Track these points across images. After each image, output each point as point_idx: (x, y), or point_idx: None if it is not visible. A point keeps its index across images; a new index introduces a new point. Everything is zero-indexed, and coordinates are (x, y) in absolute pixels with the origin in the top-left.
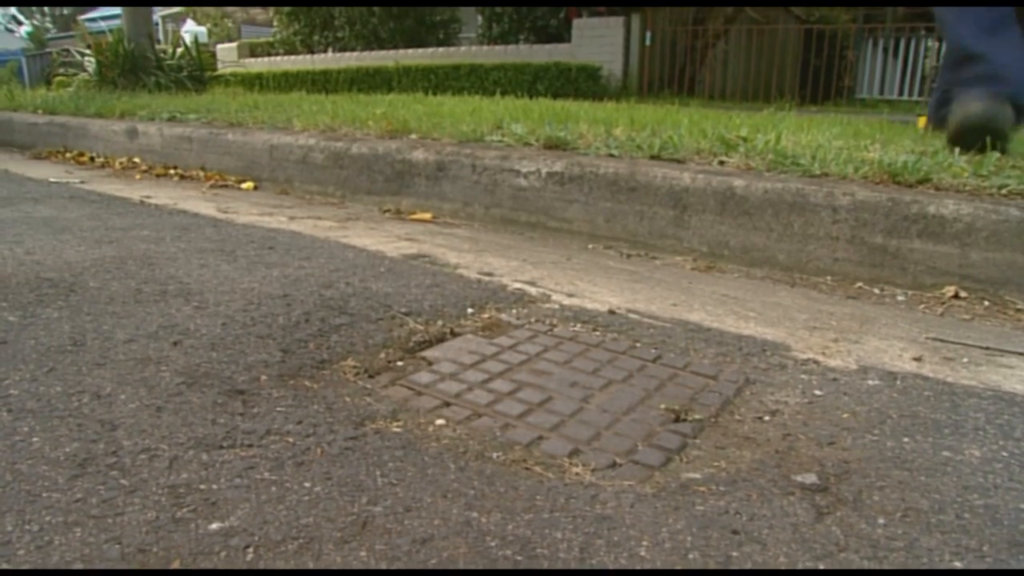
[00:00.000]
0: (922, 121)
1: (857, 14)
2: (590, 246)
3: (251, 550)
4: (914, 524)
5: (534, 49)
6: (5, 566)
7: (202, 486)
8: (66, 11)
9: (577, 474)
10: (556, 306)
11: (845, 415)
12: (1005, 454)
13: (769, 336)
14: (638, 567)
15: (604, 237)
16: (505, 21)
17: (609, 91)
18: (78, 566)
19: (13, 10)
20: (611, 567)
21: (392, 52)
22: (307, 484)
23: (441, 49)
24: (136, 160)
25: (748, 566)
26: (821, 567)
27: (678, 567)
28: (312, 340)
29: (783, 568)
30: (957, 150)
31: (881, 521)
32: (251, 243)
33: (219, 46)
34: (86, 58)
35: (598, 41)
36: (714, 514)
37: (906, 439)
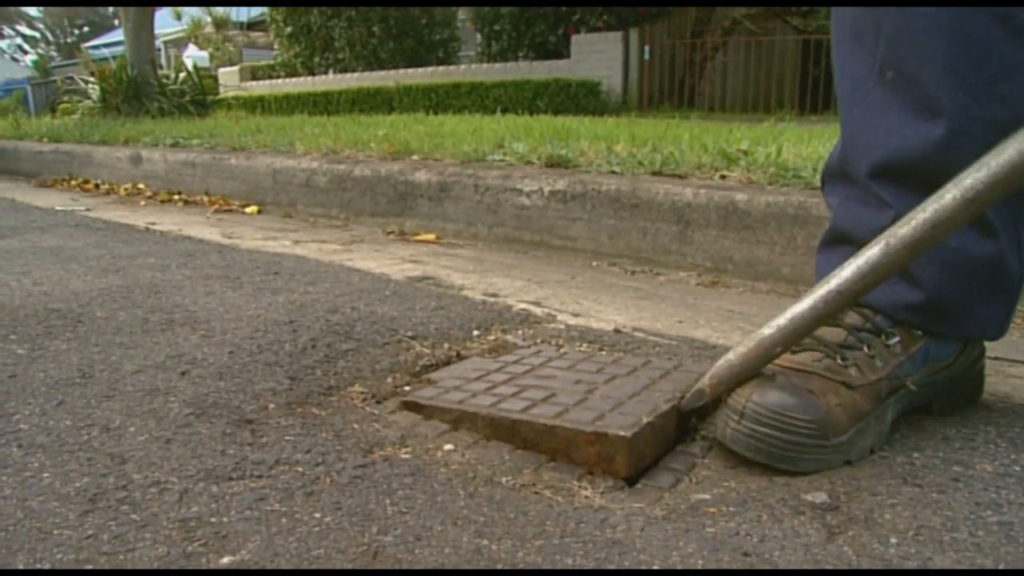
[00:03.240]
0: None
1: None
2: (594, 264)
3: None
4: (927, 543)
5: (534, 66)
6: None
7: (212, 519)
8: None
9: (587, 497)
10: (562, 326)
11: None
12: (1018, 468)
13: None
14: None
15: (608, 254)
16: (504, 38)
17: (609, 106)
18: None
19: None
20: None
21: (392, 72)
22: (317, 515)
23: (441, 68)
24: (141, 186)
25: None
26: None
27: None
28: (319, 366)
29: None
30: None
31: (893, 540)
32: (256, 269)
33: (221, 70)
34: (90, 85)
35: (597, 56)
36: (725, 536)
37: (916, 454)
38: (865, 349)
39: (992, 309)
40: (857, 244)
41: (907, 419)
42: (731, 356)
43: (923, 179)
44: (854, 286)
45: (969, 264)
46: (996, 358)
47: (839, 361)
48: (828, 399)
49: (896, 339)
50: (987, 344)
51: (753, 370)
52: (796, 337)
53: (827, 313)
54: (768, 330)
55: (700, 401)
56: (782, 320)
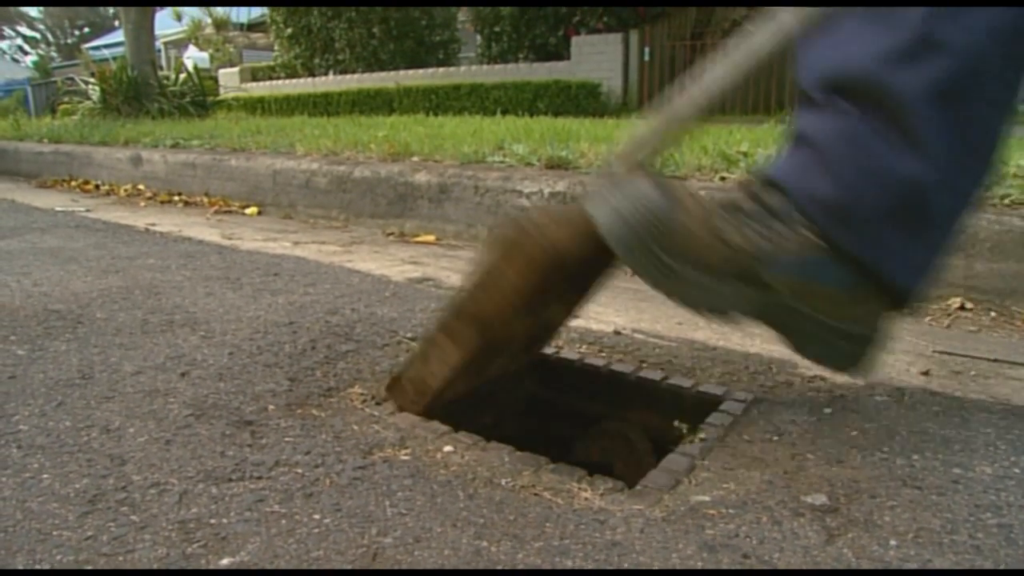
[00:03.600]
0: None
1: None
2: None
3: None
4: (926, 545)
5: (534, 67)
6: None
7: (212, 520)
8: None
9: (586, 499)
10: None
11: (854, 433)
12: (1017, 471)
13: (776, 353)
14: None
15: None
16: (504, 40)
17: (609, 107)
18: None
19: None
20: None
21: (393, 74)
22: (316, 516)
23: (441, 69)
24: (140, 187)
25: None
26: None
27: None
28: (319, 368)
29: None
30: None
31: (893, 543)
32: (256, 270)
33: (221, 71)
34: (90, 86)
35: (597, 58)
36: (724, 538)
37: (916, 456)
38: (753, 225)
39: (904, 243)
40: (815, 145)
41: (907, 420)
42: (648, 125)
43: None
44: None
45: (889, 179)
46: (996, 360)
47: (728, 215)
48: (690, 223)
49: (789, 234)
50: (987, 346)
51: (668, 140)
52: (708, 106)
53: (737, 81)
54: (681, 100)
55: (613, 169)
56: (695, 90)
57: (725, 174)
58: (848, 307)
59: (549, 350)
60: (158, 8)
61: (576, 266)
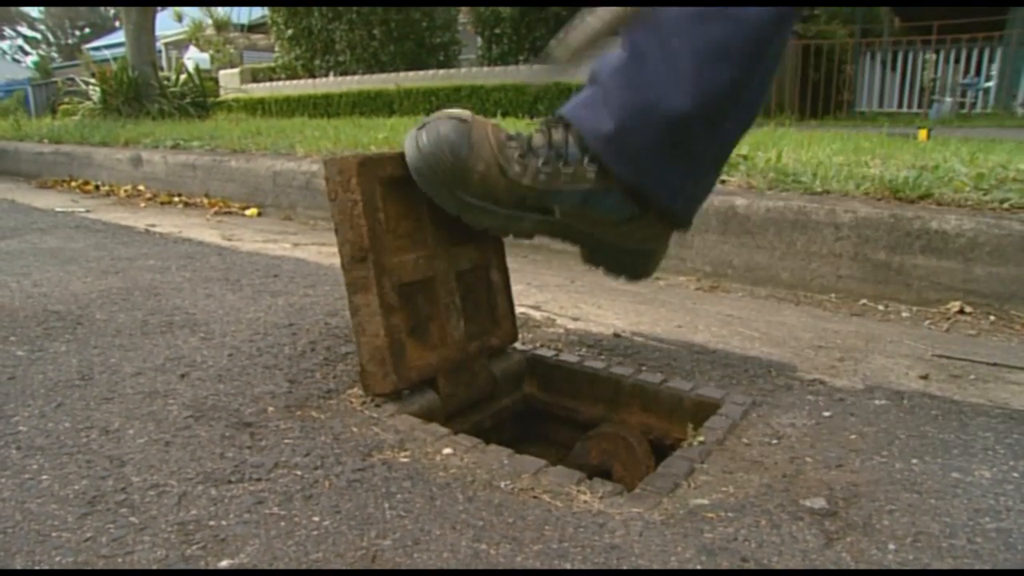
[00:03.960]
0: (923, 134)
1: (854, 29)
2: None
3: None
4: (925, 549)
5: (534, 69)
6: None
7: (211, 522)
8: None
9: (585, 502)
10: (561, 330)
11: (853, 436)
12: (1016, 475)
13: (775, 356)
14: None
15: None
16: (505, 42)
17: None
18: None
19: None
20: None
21: (393, 75)
22: (316, 518)
23: (442, 71)
24: (141, 188)
25: None
26: None
27: None
28: (318, 370)
29: None
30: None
31: (892, 547)
32: (256, 271)
33: (221, 72)
34: (91, 86)
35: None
36: (723, 541)
37: (915, 460)
38: (539, 161)
39: (666, 172)
40: (597, 81)
41: (906, 424)
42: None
43: None
44: None
45: (657, 114)
46: (995, 364)
47: (515, 155)
48: (478, 165)
49: (569, 169)
50: (986, 350)
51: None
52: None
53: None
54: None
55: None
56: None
57: (725, 177)
58: (630, 229)
59: (548, 352)
60: (159, 9)
61: (398, 181)
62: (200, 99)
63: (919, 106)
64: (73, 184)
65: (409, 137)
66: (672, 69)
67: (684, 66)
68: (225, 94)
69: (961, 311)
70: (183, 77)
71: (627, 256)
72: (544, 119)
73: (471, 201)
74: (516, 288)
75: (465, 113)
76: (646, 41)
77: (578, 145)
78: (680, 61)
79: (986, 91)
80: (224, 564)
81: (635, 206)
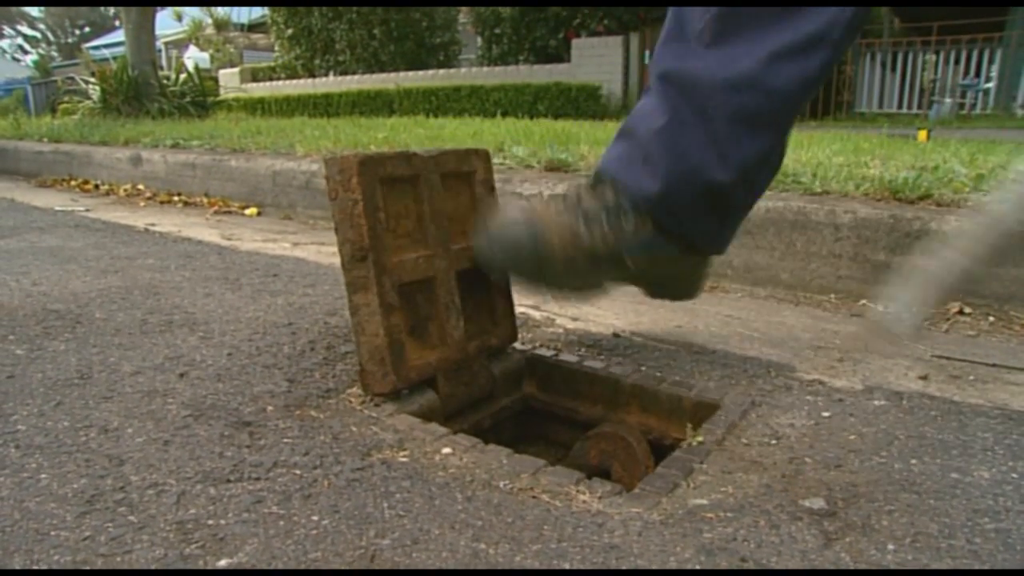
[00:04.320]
0: (922, 135)
1: None
2: None
3: None
4: (924, 550)
5: (534, 69)
6: None
7: (210, 521)
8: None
9: (584, 502)
10: (560, 330)
11: (852, 437)
12: (1015, 475)
13: (774, 357)
14: None
15: None
16: (505, 42)
17: (610, 110)
18: None
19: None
20: None
21: (393, 75)
22: (315, 517)
23: (442, 71)
24: (140, 187)
25: None
26: None
27: None
28: (318, 369)
29: None
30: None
31: (891, 547)
32: (255, 271)
33: (221, 71)
34: (90, 86)
35: (597, 60)
36: (722, 541)
37: (914, 461)
38: (603, 221)
39: (710, 225)
40: (635, 137)
41: (905, 425)
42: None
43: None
44: None
45: (701, 181)
46: (994, 365)
47: (580, 221)
48: (552, 240)
49: (631, 223)
50: (985, 351)
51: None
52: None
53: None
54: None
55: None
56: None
57: None
58: (680, 264)
59: (548, 352)
60: (159, 8)
61: (399, 181)
62: (200, 98)
63: (919, 107)
64: (73, 183)
65: (479, 238)
66: (711, 138)
67: (722, 137)
68: (225, 93)
69: (960, 312)
70: (183, 76)
71: (683, 283)
72: (590, 179)
73: (557, 274)
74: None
75: (519, 202)
76: (682, 104)
77: (630, 202)
78: (718, 130)
79: (986, 92)
80: (223, 563)
81: (683, 247)
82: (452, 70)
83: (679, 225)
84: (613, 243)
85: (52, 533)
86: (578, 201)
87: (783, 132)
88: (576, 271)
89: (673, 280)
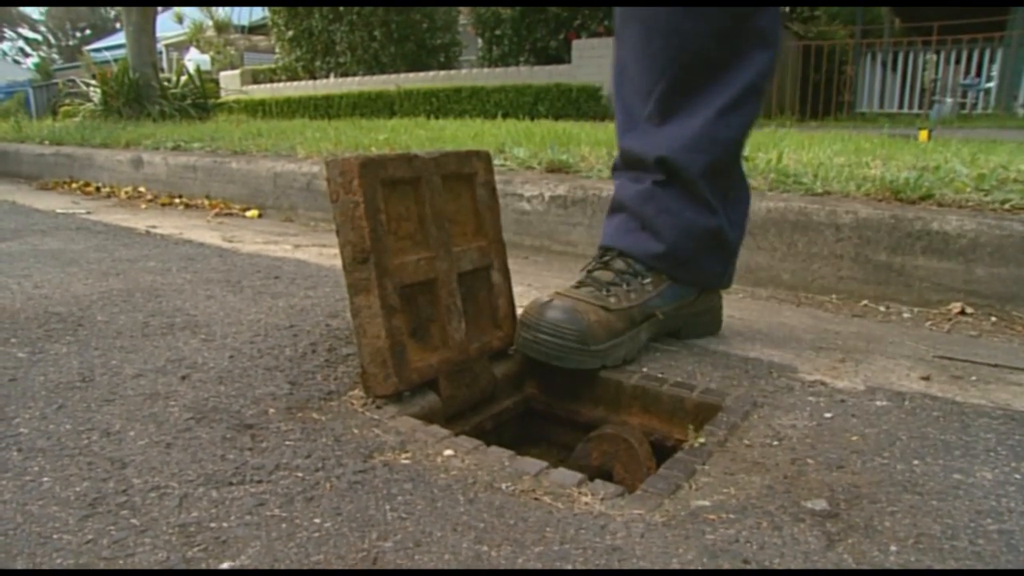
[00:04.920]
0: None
1: (855, 30)
2: None
3: None
4: (927, 551)
5: (535, 71)
6: None
7: (212, 524)
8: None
9: (586, 503)
10: None
11: (854, 438)
12: (1018, 476)
13: (776, 357)
14: None
15: None
16: (505, 43)
17: (610, 111)
18: None
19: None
20: None
21: (393, 76)
22: (317, 520)
23: (442, 72)
24: (141, 189)
25: None
26: None
27: None
28: (319, 371)
29: None
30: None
31: (893, 548)
32: (257, 273)
33: (222, 73)
34: (91, 88)
35: (598, 62)
36: (724, 543)
37: (916, 462)
38: (624, 286)
39: (715, 265)
40: (627, 210)
41: (907, 425)
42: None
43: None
44: None
45: (697, 230)
46: (996, 365)
47: (603, 292)
48: (589, 316)
49: (648, 280)
50: (987, 351)
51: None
52: None
53: None
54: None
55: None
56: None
57: None
58: (699, 304)
59: None
60: (159, 10)
61: (400, 183)
62: (201, 101)
63: (920, 107)
64: (74, 186)
65: (527, 337)
66: (693, 195)
67: (701, 191)
68: (226, 95)
69: (962, 312)
70: (184, 79)
71: (703, 318)
72: (597, 258)
73: (604, 346)
74: (517, 290)
75: (546, 296)
76: (658, 176)
77: (642, 264)
78: (697, 186)
79: (987, 92)
80: (225, 566)
81: (697, 287)
82: (453, 71)
83: (689, 272)
84: (639, 302)
85: (55, 536)
86: (596, 281)
87: (739, 173)
88: (616, 334)
89: (696, 318)
